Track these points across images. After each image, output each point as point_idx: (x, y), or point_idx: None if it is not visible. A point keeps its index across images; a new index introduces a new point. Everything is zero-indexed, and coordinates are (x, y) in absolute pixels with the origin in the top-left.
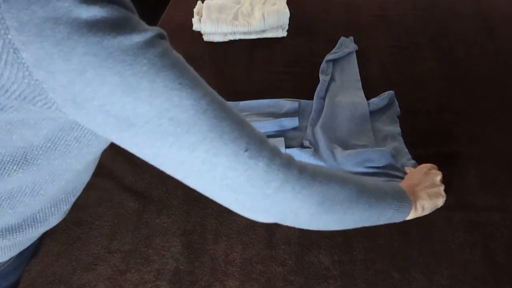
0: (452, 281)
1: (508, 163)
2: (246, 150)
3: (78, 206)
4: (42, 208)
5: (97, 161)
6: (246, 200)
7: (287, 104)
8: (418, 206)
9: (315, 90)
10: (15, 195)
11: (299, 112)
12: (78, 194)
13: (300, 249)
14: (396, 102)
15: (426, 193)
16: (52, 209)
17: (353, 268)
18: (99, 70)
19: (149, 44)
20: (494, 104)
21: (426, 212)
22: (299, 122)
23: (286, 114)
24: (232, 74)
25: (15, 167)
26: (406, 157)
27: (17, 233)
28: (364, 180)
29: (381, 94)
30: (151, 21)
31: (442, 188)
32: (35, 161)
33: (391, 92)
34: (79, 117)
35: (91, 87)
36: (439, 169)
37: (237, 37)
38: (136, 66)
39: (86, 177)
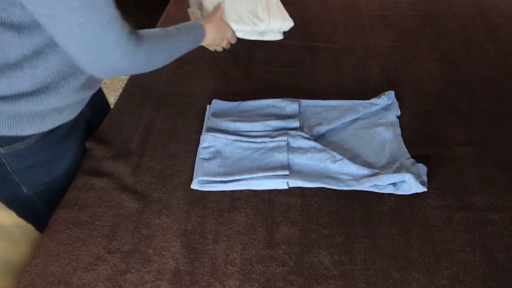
0: (452, 281)
1: (508, 163)
2: (107, 23)
3: (78, 206)
4: (53, 79)
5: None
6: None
7: (288, 105)
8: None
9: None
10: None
11: (300, 113)
12: (81, 76)
13: (300, 249)
14: (396, 102)
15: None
16: (62, 81)
17: (353, 268)
18: None
19: None
20: (494, 104)
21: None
22: (299, 123)
23: (287, 116)
24: (232, 74)
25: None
26: (405, 156)
27: (31, 99)
28: (172, 33)
29: (381, 94)
30: (151, 21)
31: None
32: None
33: (391, 92)
34: None
35: None
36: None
37: (238, 35)
38: None
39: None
